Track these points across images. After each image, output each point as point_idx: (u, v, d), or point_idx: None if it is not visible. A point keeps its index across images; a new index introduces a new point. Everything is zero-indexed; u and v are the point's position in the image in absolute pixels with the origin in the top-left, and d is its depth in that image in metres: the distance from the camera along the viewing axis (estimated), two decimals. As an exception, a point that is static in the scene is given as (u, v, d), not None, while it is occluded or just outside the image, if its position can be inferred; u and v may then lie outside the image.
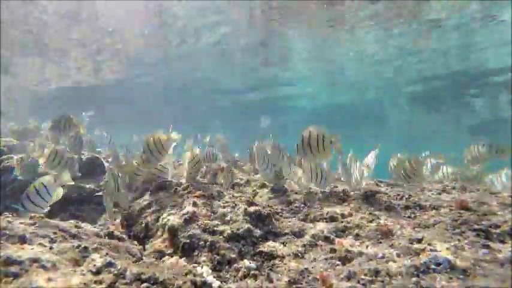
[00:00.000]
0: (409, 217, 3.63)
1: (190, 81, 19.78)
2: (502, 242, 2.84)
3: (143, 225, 3.96)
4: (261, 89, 21.57)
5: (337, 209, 3.82)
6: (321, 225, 3.55)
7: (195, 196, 3.92)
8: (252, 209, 3.59)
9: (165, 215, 3.72)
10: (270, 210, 3.74)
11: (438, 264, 2.45)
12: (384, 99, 23.06)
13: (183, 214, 3.51)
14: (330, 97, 22.85)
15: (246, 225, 3.35)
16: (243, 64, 16.27)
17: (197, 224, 3.38)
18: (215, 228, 3.33)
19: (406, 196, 4.12)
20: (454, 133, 28.88)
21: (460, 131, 28.00)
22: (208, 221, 3.43)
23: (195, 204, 3.69)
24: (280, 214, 3.96)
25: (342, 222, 3.56)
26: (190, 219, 3.44)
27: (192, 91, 21.89)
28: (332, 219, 3.66)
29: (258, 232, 3.36)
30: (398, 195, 4.18)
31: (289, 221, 3.75)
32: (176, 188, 4.25)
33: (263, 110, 26.60)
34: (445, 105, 22.98)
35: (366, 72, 17.39)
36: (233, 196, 4.03)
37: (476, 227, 3.04)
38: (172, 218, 3.52)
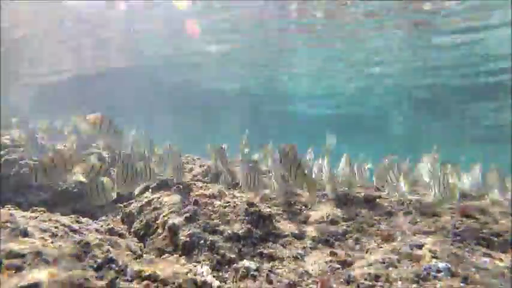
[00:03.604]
0: (410, 223, 3.62)
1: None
2: (503, 250, 2.84)
3: (143, 222, 3.95)
4: (264, 95, 21.48)
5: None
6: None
7: (197, 195, 3.92)
8: (252, 209, 3.59)
9: (165, 213, 3.72)
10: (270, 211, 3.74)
11: (439, 271, 2.45)
12: (387, 105, 22.91)
13: (184, 213, 3.51)
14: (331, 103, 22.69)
15: (246, 226, 3.36)
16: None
17: (198, 223, 3.38)
18: (216, 228, 3.33)
19: (407, 202, 4.11)
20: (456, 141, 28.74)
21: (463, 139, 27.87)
22: (209, 221, 3.43)
23: (196, 203, 3.68)
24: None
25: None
26: (191, 218, 3.44)
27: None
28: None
29: (258, 233, 3.36)
30: (400, 200, 4.17)
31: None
32: (177, 187, 4.25)
33: (265, 115, 26.45)
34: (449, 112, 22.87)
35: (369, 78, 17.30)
36: (234, 196, 4.02)
37: (477, 234, 3.04)
38: (173, 216, 3.51)
